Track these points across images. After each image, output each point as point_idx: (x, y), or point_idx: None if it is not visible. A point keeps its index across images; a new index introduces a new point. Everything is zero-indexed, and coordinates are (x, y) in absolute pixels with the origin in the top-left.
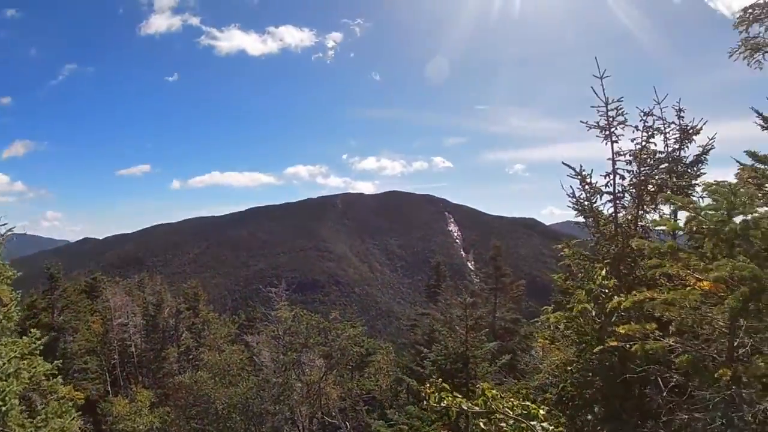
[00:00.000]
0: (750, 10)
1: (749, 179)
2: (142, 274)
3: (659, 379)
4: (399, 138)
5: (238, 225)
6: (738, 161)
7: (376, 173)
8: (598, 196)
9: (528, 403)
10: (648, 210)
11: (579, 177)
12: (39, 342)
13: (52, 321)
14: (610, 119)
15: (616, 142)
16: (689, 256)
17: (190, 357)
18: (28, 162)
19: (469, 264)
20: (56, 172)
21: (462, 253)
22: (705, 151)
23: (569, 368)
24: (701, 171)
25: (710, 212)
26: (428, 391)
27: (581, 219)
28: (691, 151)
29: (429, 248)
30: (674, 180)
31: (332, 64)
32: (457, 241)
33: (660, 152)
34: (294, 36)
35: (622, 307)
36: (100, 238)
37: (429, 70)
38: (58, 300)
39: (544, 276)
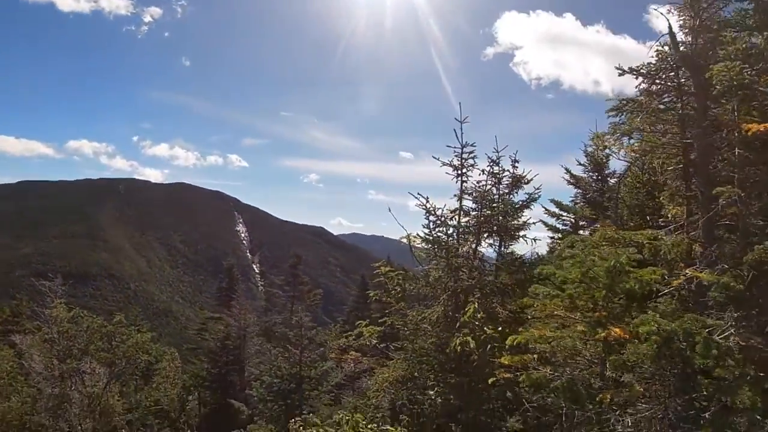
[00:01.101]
0: (625, 102)
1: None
2: None
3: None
4: (197, 129)
5: (6, 198)
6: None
7: (167, 161)
8: (444, 228)
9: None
10: (483, 245)
11: (425, 209)
12: None
13: None
14: (464, 160)
15: (466, 181)
16: (574, 300)
17: None
18: None
19: (254, 266)
20: None
21: (248, 254)
22: (532, 198)
23: (408, 384)
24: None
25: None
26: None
27: (424, 246)
28: (520, 197)
29: (214, 246)
30: (506, 219)
31: (143, 39)
32: (245, 242)
33: (495, 195)
34: (111, 2)
35: (515, 342)
36: None
37: (240, 67)
38: None
39: (332, 284)
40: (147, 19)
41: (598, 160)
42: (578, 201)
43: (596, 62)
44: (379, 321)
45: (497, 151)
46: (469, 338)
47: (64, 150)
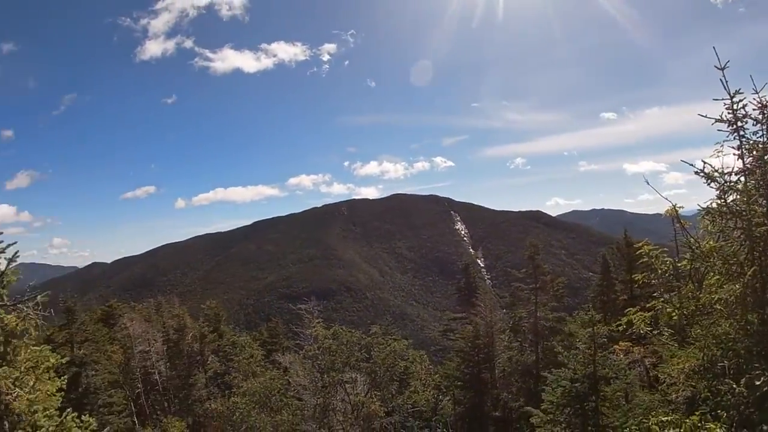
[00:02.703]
0: None
1: None
2: (159, 298)
3: None
4: (398, 141)
5: (246, 239)
6: None
7: (378, 177)
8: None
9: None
10: None
11: (704, 174)
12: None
13: (72, 356)
14: (736, 112)
15: (744, 135)
16: None
17: (219, 382)
18: (33, 192)
19: (478, 261)
20: (62, 200)
21: (471, 250)
22: None
23: (707, 374)
24: None
25: None
26: None
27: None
28: None
29: (437, 248)
30: None
31: (328, 75)
32: (465, 239)
33: None
34: (287, 51)
35: None
36: (108, 262)
37: (420, 73)
38: (77, 334)
39: (558, 268)
40: (325, 57)
41: None
42: None
43: None
44: (647, 306)
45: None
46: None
47: (286, 188)
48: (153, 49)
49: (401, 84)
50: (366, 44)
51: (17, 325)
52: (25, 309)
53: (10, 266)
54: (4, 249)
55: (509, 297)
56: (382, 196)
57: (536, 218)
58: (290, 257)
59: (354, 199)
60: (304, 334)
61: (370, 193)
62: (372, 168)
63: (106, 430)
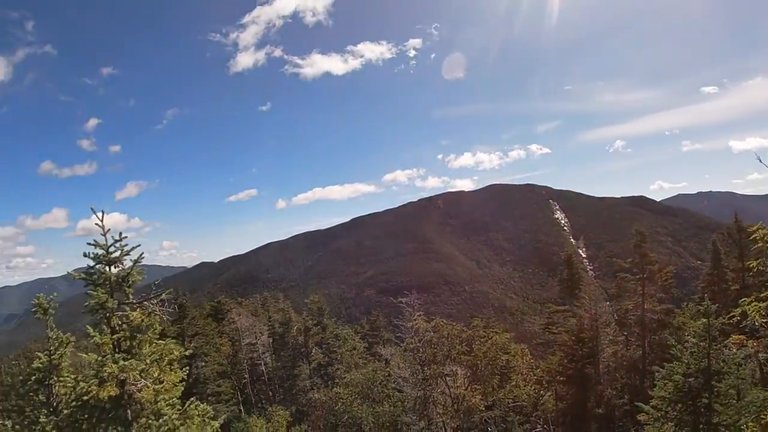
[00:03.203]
0: None
1: None
2: (264, 294)
3: None
4: (491, 131)
5: (345, 235)
6: None
7: (473, 169)
8: None
9: None
10: None
11: None
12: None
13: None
14: None
15: None
16: None
17: (322, 373)
18: (142, 200)
19: (580, 251)
20: (169, 206)
21: (572, 240)
22: None
23: None
24: None
25: None
26: None
27: None
28: None
29: (536, 239)
30: None
31: (415, 70)
32: (565, 228)
33: None
34: (373, 51)
35: None
36: (215, 261)
37: (507, 59)
38: (188, 328)
39: (664, 257)
40: (411, 53)
41: None
42: None
43: None
44: (761, 296)
45: None
46: None
47: (382, 184)
48: (245, 60)
49: (489, 72)
50: (451, 36)
51: (142, 321)
52: (151, 306)
53: (135, 267)
54: (129, 252)
55: (614, 288)
56: (478, 188)
57: (639, 204)
58: (388, 252)
59: (449, 192)
60: (405, 327)
61: (466, 185)
62: (466, 159)
63: (222, 416)
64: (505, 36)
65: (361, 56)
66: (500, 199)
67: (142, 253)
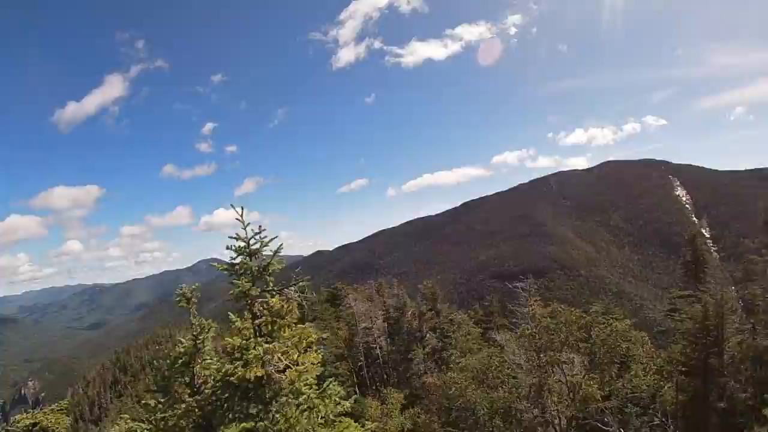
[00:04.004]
0: None
1: None
2: (379, 280)
3: None
4: (602, 104)
5: (455, 220)
6: None
7: (585, 146)
8: None
9: None
10: None
11: None
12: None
13: None
14: None
15: None
16: None
17: (436, 358)
18: (259, 194)
19: (704, 231)
20: (285, 199)
21: (694, 218)
22: None
23: None
24: None
25: None
26: None
27: None
28: None
29: (656, 218)
30: None
31: (517, 47)
32: (687, 206)
33: None
34: (472, 32)
35: None
36: (331, 249)
37: (611, 26)
38: (308, 313)
39: None
40: (511, 30)
41: None
42: None
43: None
44: None
45: None
46: None
47: (491, 167)
48: (346, 56)
49: (595, 42)
50: (551, 7)
51: (282, 307)
52: (290, 293)
53: (275, 257)
54: (267, 243)
55: (741, 271)
56: (592, 166)
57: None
58: (500, 236)
59: (562, 172)
60: (521, 313)
61: (579, 163)
62: (578, 136)
63: (352, 398)
64: (608, 1)
65: (460, 39)
66: (616, 176)
67: (281, 244)
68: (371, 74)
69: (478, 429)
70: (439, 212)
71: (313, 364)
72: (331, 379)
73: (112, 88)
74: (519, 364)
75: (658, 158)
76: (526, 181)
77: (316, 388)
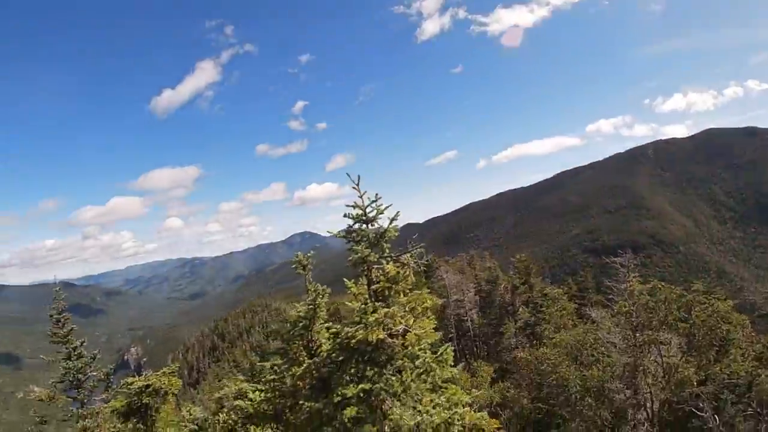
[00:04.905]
0: None
1: None
2: (470, 252)
3: None
4: (700, 66)
5: (548, 192)
6: None
7: (684, 112)
8: None
9: None
10: None
11: None
12: None
13: None
14: None
15: None
16: None
17: (528, 333)
18: (349, 169)
19: None
20: (375, 172)
21: None
22: None
23: None
24: None
25: None
26: None
27: None
28: None
29: (761, 192)
30: None
31: (608, 9)
32: None
33: None
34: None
35: None
36: (420, 221)
37: None
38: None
39: None
40: None
41: None
42: None
43: None
44: None
45: None
46: None
47: (585, 136)
48: (430, 27)
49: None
50: None
51: (398, 273)
52: (405, 259)
53: (392, 224)
54: (383, 211)
55: None
56: (692, 134)
57: None
58: (595, 209)
59: (660, 140)
60: (617, 289)
61: (678, 131)
62: (676, 102)
63: (460, 365)
64: None
65: (547, 3)
66: (718, 145)
67: (399, 212)
68: (457, 45)
69: (569, 406)
70: (531, 184)
71: (430, 329)
72: (448, 345)
73: (205, 73)
74: (613, 342)
75: (763, 126)
76: (622, 150)
77: (431, 353)
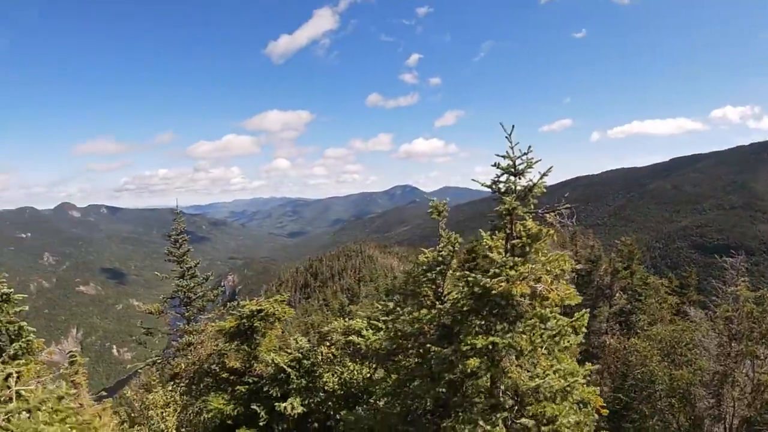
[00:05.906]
0: None
1: None
2: (575, 227)
3: None
4: None
5: (662, 177)
6: None
7: None
8: None
9: None
10: None
11: None
12: None
13: None
14: None
15: None
16: None
17: (621, 320)
18: (458, 127)
19: None
20: (484, 133)
21: None
22: None
23: None
24: None
25: None
26: None
27: None
28: None
29: None
30: None
31: None
32: None
33: None
34: None
35: None
36: None
37: None
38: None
39: None
40: None
41: None
42: None
43: None
44: None
45: None
46: None
47: (709, 121)
48: None
49: None
50: None
51: (540, 230)
52: (552, 217)
53: (542, 179)
54: (533, 164)
55: None
56: None
57: None
58: (708, 202)
59: None
60: (723, 291)
61: None
62: None
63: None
64: None
65: None
66: None
67: (551, 166)
68: (582, 7)
69: (650, 403)
70: (645, 165)
71: (568, 295)
72: (585, 311)
73: (322, 21)
74: (705, 347)
75: None
76: (746, 144)
77: (566, 316)
